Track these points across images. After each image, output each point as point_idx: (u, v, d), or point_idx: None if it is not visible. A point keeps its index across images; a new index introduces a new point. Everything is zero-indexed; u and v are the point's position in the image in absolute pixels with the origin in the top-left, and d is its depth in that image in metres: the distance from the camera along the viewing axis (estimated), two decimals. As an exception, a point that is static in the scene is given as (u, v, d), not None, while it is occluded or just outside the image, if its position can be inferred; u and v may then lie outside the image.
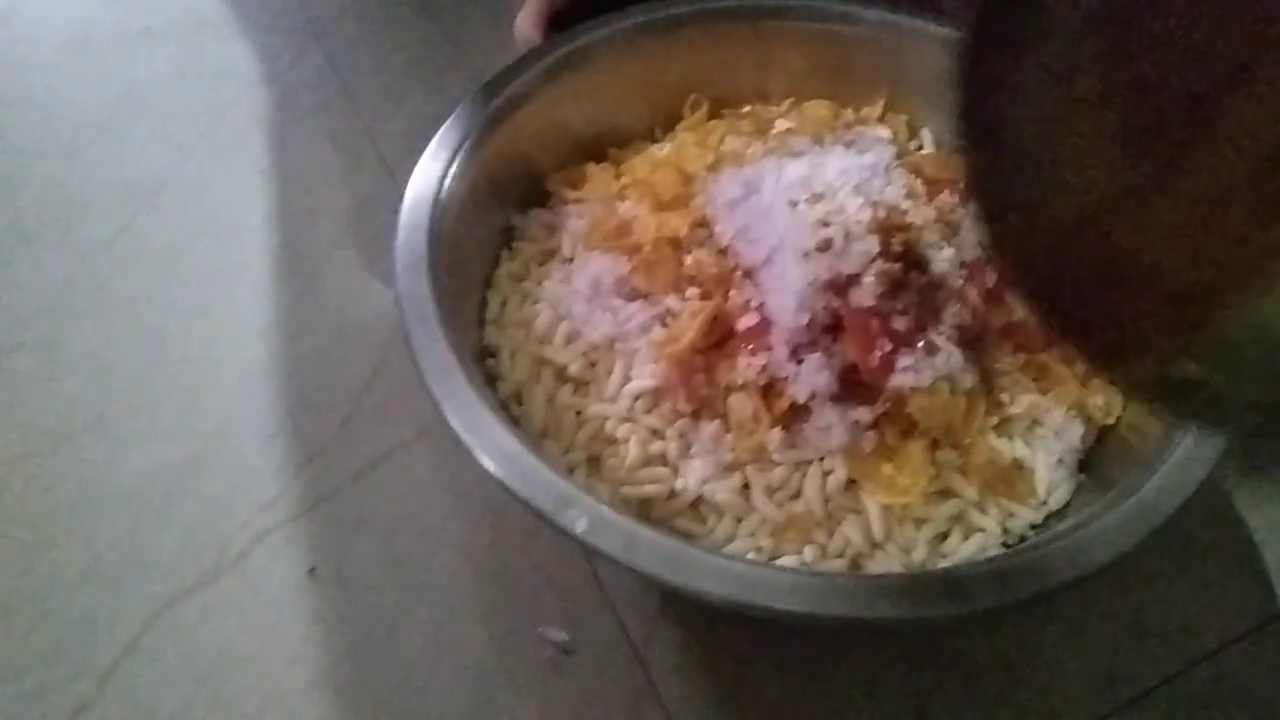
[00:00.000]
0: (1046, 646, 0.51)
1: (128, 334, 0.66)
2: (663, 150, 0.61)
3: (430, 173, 0.53)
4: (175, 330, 0.66)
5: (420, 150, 0.55)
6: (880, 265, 0.47)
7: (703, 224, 0.52)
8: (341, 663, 0.52)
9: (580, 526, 0.40)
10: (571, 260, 0.56)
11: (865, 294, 0.46)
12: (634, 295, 0.52)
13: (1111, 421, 0.51)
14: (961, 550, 0.47)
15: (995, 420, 0.50)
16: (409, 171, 0.53)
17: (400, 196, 0.52)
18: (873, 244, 0.47)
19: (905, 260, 0.47)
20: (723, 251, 0.51)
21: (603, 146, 0.63)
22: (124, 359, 0.64)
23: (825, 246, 0.46)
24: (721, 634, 0.52)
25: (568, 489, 0.42)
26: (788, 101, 0.65)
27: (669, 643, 0.52)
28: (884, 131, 0.61)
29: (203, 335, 0.66)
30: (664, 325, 0.51)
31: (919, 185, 0.52)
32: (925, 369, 0.47)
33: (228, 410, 0.62)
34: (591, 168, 0.61)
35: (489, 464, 0.42)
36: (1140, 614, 0.52)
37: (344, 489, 0.58)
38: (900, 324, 0.47)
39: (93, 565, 0.55)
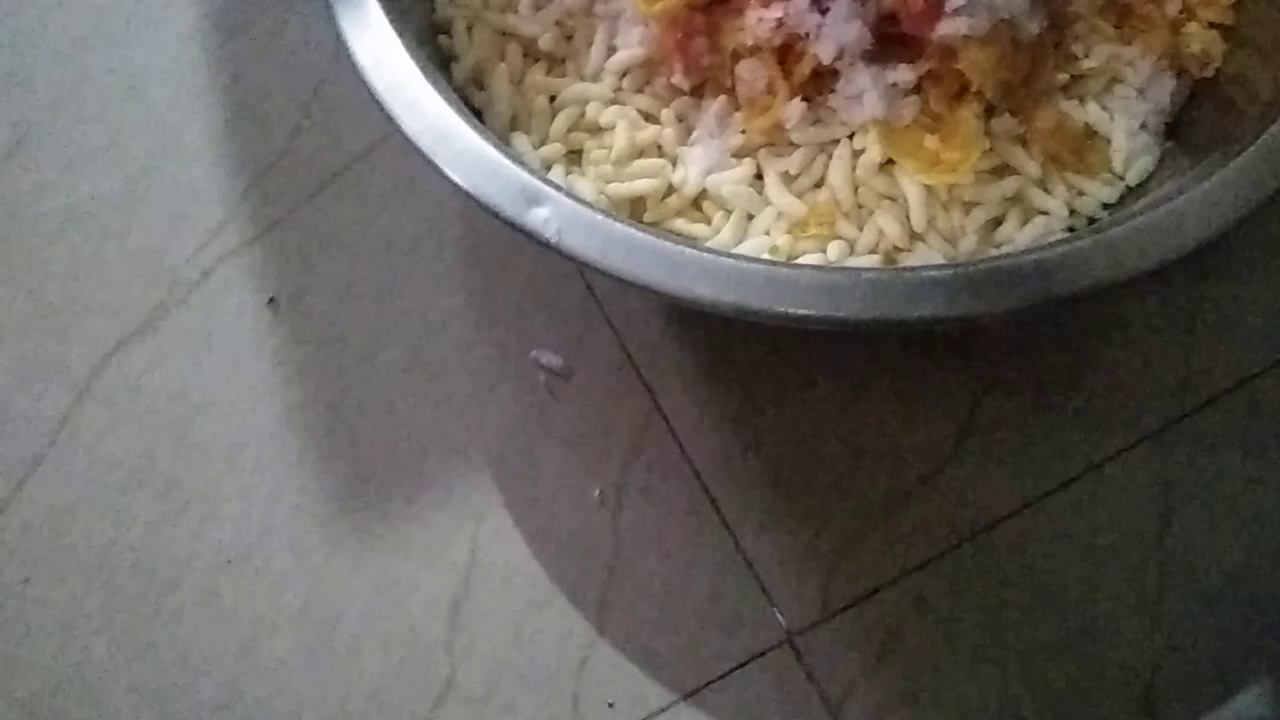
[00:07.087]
0: (1112, 347, 0.45)
1: (42, 40, 0.56)
2: None
3: None
4: (95, 35, 0.56)
5: None
6: None
7: None
8: (313, 401, 0.47)
9: (550, 230, 0.33)
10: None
11: (907, -88, 0.36)
12: (613, -61, 0.43)
13: (1210, 74, 0.42)
14: (1019, 238, 0.40)
15: (1065, 78, 0.42)
16: None
17: None
18: None
19: None
20: None
21: None
22: (41, 71, 0.55)
23: None
24: (736, 352, 0.46)
25: (533, 183, 0.34)
26: None
27: (677, 364, 0.46)
28: None
29: (126, 39, 0.56)
30: (651, -24, 0.41)
31: None
32: (980, 11, 0.37)
33: (164, 124, 0.53)
34: None
35: (434, 156, 0.35)
36: (1220, 309, 0.46)
37: (300, 208, 0.50)
38: (950, -47, 0.37)
39: (31, 310, 0.49)
